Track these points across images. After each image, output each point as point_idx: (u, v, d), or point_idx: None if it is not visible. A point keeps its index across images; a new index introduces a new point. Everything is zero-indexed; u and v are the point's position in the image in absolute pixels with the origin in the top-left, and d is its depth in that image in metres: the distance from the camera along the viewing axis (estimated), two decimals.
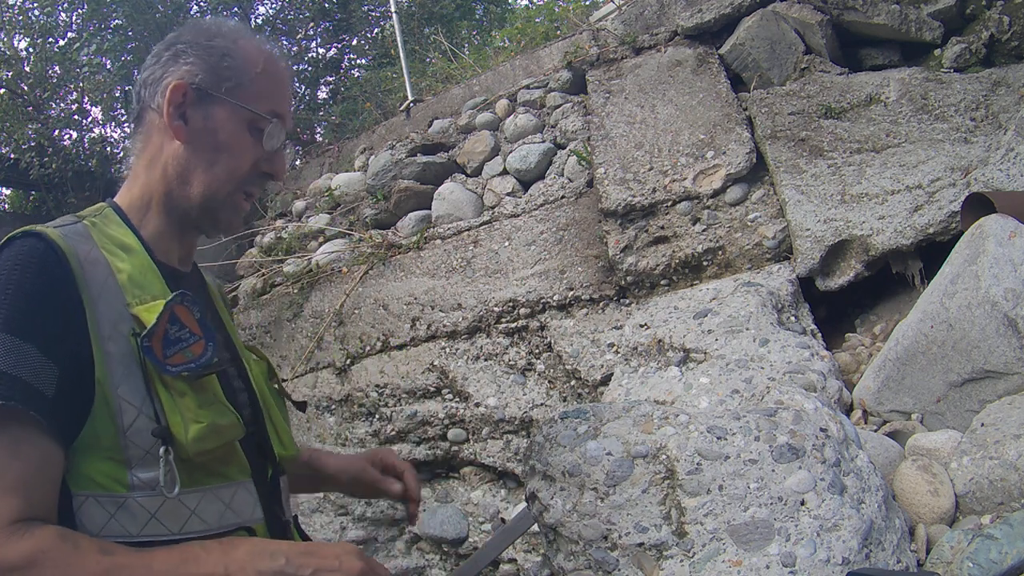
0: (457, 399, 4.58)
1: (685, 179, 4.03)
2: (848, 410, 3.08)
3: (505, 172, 5.17)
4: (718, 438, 2.00)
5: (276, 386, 1.81)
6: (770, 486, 1.94)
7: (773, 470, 1.95)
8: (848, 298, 3.78)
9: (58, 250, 1.39)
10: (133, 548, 1.31)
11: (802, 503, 1.93)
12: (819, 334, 3.53)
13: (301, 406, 1.98)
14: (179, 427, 1.39)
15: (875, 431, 2.87)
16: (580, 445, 2.08)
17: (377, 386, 4.84)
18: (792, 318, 3.51)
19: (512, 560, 4.30)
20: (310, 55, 12.04)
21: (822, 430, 2.05)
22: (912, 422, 2.79)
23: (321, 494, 4.98)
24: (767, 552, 1.90)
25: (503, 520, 4.39)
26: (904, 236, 3.45)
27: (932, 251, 3.43)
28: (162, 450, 1.37)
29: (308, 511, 4.98)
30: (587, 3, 7.52)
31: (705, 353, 3.30)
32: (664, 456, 2.01)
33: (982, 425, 2.41)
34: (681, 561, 1.96)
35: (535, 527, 2.29)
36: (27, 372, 1.29)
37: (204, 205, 1.62)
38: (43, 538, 1.24)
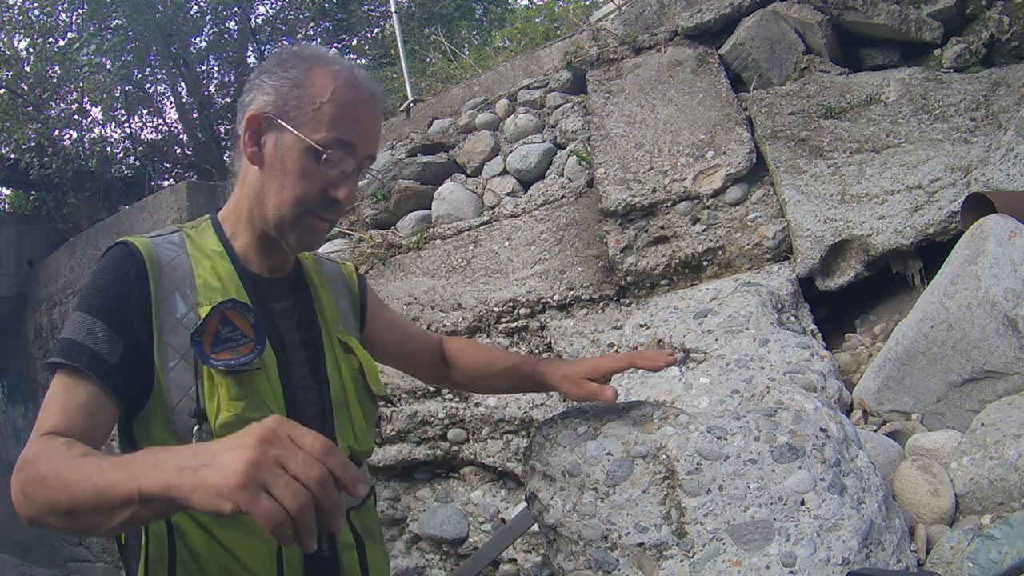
0: (457, 399, 4.58)
1: (685, 179, 4.03)
2: (848, 410, 3.08)
3: (505, 172, 5.16)
4: (718, 438, 1.99)
5: (365, 383, 1.90)
6: (770, 486, 1.94)
7: (773, 470, 1.95)
8: (848, 298, 3.77)
9: (137, 255, 1.65)
10: (105, 454, 1.41)
11: (802, 503, 1.93)
12: (819, 334, 3.52)
13: (387, 400, 2.13)
14: (212, 412, 1.58)
15: (875, 431, 2.87)
16: (580, 445, 2.08)
17: None
18: (792, 318, 3.51)
19: (512, 560, 4.30)
20: None
21: (822, 430, 2.05)
22: (912, 422, 2.79)
23: None
24: (767, 552, 1.89)
25: (503, 520, 4.39)
26: (904, 236, 3.44)
27: (932, 251, 3.43)
28: (194, 428, 1.58)
29: None
30: (587, 3, 7.51)
31: (705, 353, 3.30)
32: (664, 456, 2.01)
33: (982, 425, 2.40)
34: (681, 561, 1.96)
35: (535, 527, 2.29)
36: (95, 343, 1.55)
37: (276, 226, 1.74)
38: (52, 442, 1.41)
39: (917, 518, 2.32)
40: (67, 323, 1.59)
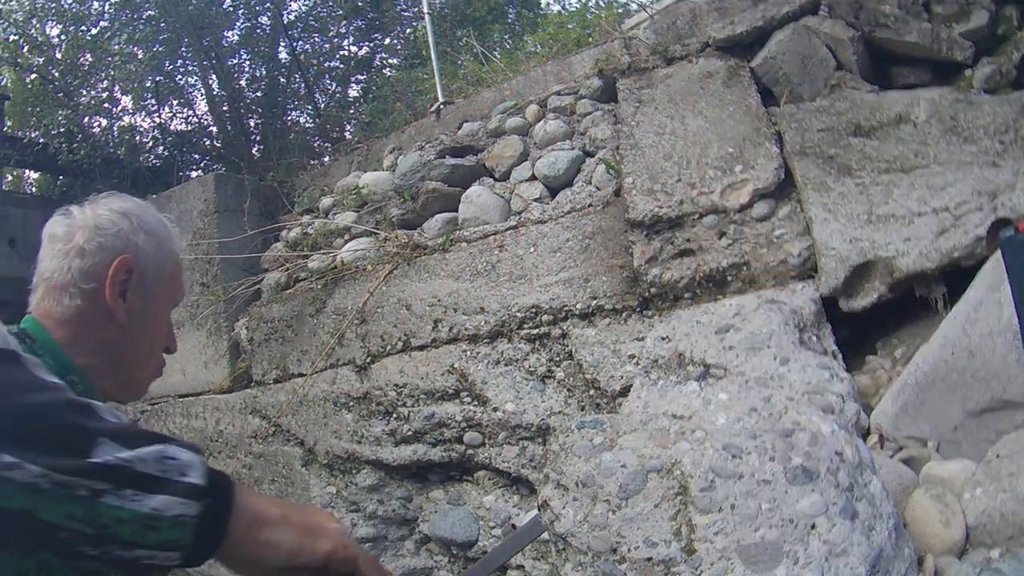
0: (475, 403, 4.59)
1: (713, 192, 4.02)
2: (865, 434, 3.06)
3: (533, 178, 5.17)
4: (733, 456, 2.00)
5: None
6: (782, 508, 1.93)
7: (786, 491, 1.95)
8: (870, 319, 3.75)
9: None
10: None
11: (812, 526, 1.93)
12: (840, 355, 3.50)
13: None
14: None
15: (891, 456, 2.86)
16: (595, 456, 2.09)
17: (396, 385, 4.86)
18: (814, 338, 3.49)
19: (520, 567, 4.31)
20: (342, 53, 12.09)
21: (837, 454, 2.05)
22: (928, 449, 2.77)
23: (333, 490, 5.02)
24: (775, 574, 1.89)
25: (514, 526, 4.39)
26: (929, 259, 3.42)
27: (957, 276, 3.40)
28: None
29: (321, 506, 5.00)
30: (619, 11, 7.51)
31: (725, 369, 3.29)
32: (678, 472, 2.02)
33: (997, 456, 2.38)
34: None
35: (545, 535, 2.29)
36: None
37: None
38: None
39: (927, 548, 2.31)
40: None
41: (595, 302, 4.31)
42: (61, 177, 10.56)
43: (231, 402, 6.00)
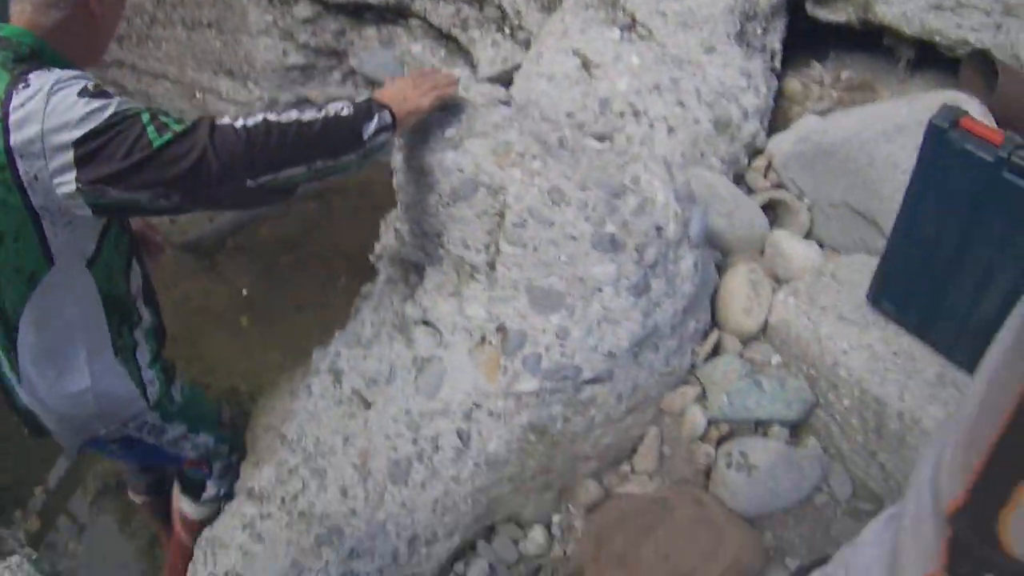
0: None
1: None
2: (756, 153, 3.03)
3: None
4: (553, 203, 2.02)
5: None
6: (577, 265, 2.01)
7: (587, 253, 2.01)
8: (835, 32, 3.50)
9: None
10: None
11: (599, 290, 2.02)
12: (779, 55, 3.32)
13: None
14: None
15: (769, 187, 2.85)
16: (441, 152, 2.12)
17: None
18: (759, 30, 3.30)
19: None
20: None
21: (657, 228, 2.07)
22: (802, 204, 2.74)
23: (270, 18, 4.96)
24: (549, 319, 2.03)
25: None
26: (909, 24, 3.07)
27: (930, 51, 3.14)
28: None
29: (256, 32, 4.98)
30: None
31: (650, 33, 3.13)
32: (503, 197, 2.06)
33: (831, 276, 2.37)
34: (484, 289, 2.11)
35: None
36: None
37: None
38: None
39: (724, 321, 2.38)
40: None
41: None
42: None
43: None
